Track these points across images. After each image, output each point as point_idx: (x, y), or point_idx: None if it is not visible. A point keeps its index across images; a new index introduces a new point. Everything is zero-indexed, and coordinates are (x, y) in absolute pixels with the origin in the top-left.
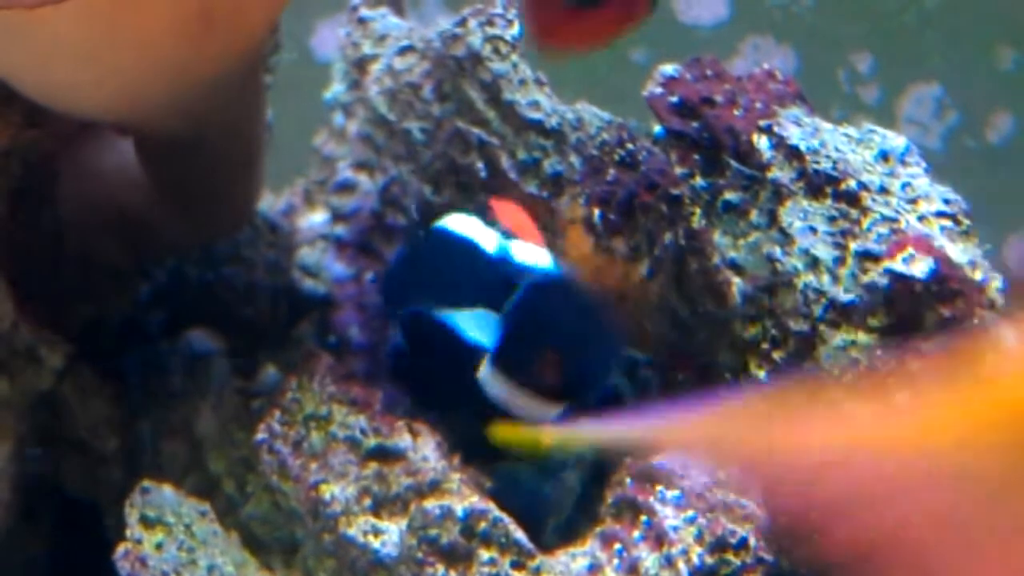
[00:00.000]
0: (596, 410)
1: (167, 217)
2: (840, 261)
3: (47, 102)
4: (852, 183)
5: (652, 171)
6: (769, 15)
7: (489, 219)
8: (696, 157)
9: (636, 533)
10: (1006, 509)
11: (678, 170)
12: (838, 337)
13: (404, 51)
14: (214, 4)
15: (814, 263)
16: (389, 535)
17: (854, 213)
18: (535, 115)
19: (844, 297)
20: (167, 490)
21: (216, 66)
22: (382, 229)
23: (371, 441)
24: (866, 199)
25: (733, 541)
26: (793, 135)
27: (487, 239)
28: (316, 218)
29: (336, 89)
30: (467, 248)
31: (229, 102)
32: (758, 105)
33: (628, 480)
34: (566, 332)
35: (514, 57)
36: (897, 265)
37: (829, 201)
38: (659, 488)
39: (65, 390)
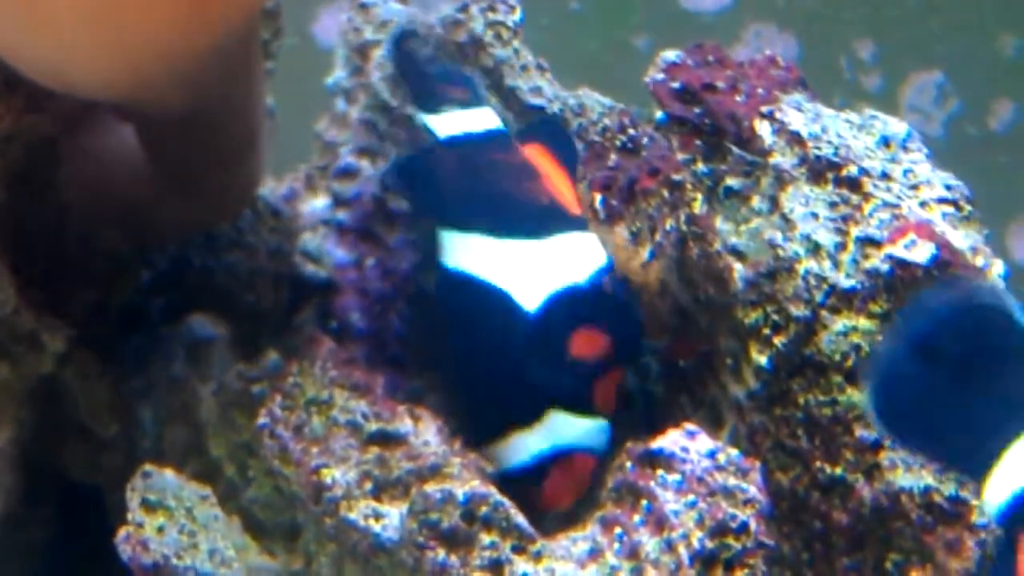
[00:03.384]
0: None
1: (168, 202)
2: (841, 247)
3: (49, 79)
4: (854, 169)
5: (654, 157)
6: (772, 2)
7: None
8: (698, 143)
9: (637, 517)
10: None
11: (680, 156)
12: (839, 323)
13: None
14: None
15: (815, 249)
16: (390, 519)
17: (856, 199)
18: (537, 101)
19: (845, 283)
20: (168, 474)
21: (215, 35)
22: (384, 214)
23: (372, 426)
24: (867, 185)
25: (734, 525)
26: (795, 121)
27: None
28: (318, 203)
29: (338, 75)
30: None
31: (228, 79)
32: (760, 91)
33: (628, 464)
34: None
35: (516, 43)
36: (898, 251)
37: (831, 187)
38: (659, 472)
39: (67, 375)
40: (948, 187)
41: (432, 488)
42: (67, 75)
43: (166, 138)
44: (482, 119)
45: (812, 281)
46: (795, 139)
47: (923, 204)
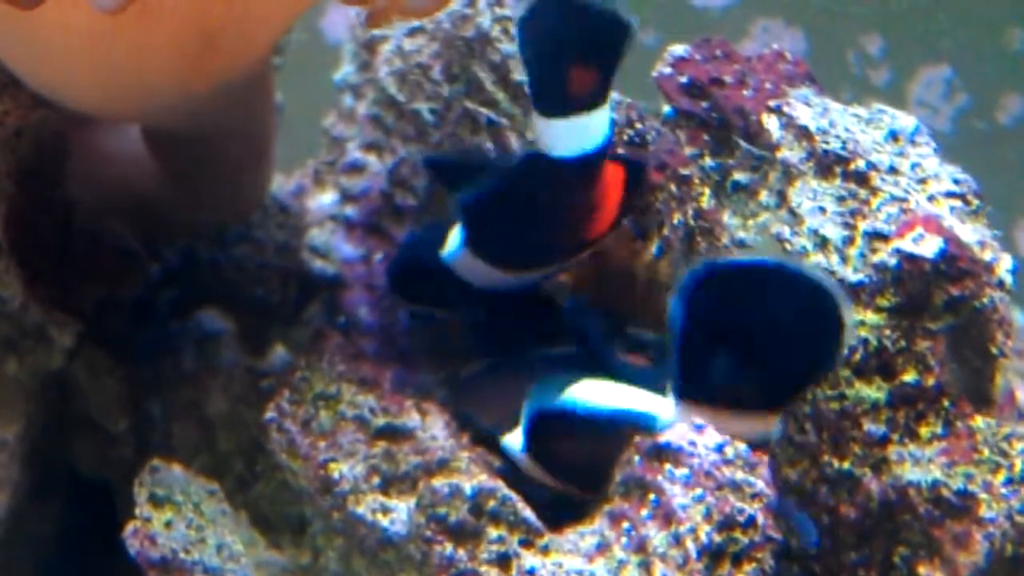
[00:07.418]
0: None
1: (177, 200)
2: (849, 241)
3: (48, 96)
4: (862, 163)
5: (661, 151)
6: None
7: None
8: (706, 137)
9: (644, 511)
10: None
11: (687, 150)
12: None
13: (414, 32)
14: (215, 29)
15: (823, 243)
16: (398, 513)
17: (863, 193)
18: None
19: (853, 277)
20: (176, 469)
21: (217, 82)
22: (391, 210)
23: (380, 420)
24: (875, 179)
25: (741, 519)
26: (803, 115)
27: None
28: (326, 199)
29: (346, 70)
30: None
31: (236, 104)
32: (768, 85)
33: (636, 459)
34: None
35: None
36: (906, 245)
37: (838, 181)
38: (667, 466)
39: (76, 370)
40: (956, 181)
41: (440, 482)
42: (63, 97)
43: (171, 152)
44: None
45: None
46: (803, 133)
47: (931, 198)
